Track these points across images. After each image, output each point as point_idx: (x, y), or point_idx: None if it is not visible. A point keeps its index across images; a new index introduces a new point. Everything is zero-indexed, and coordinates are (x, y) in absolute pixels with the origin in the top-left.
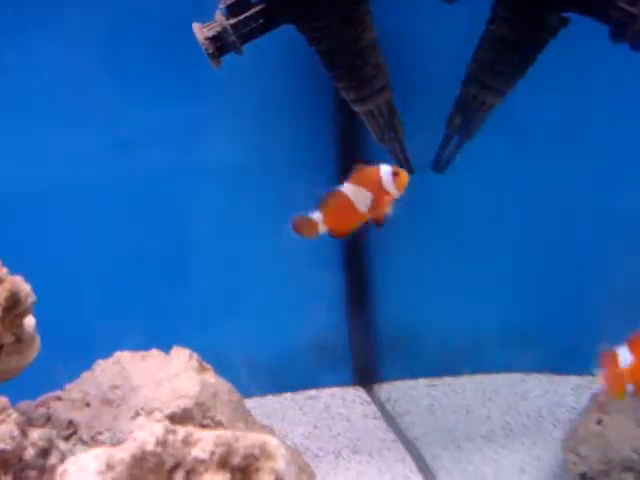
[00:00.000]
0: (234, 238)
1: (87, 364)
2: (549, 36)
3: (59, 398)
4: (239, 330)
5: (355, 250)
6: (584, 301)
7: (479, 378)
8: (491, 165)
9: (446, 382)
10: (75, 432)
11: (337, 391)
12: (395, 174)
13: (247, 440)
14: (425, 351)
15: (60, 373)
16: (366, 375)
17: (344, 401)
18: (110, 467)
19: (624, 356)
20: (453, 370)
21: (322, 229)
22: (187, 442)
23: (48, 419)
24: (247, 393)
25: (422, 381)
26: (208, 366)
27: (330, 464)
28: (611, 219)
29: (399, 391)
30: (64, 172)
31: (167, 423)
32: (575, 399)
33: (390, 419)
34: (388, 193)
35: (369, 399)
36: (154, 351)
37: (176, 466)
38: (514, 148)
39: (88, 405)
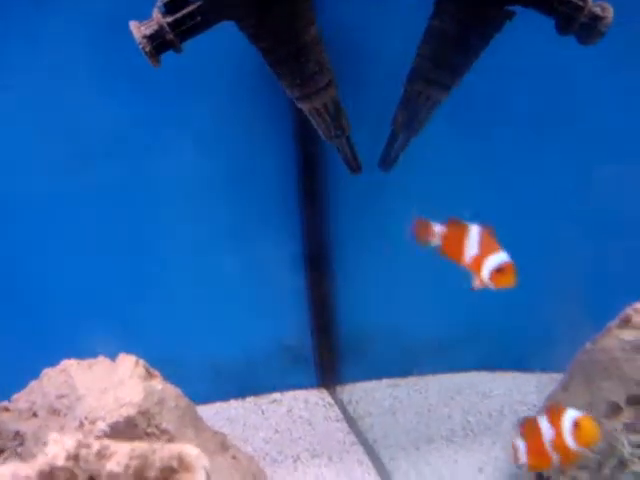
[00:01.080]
0: (197, 242)
1: (34, 371)
2: (494, 30)
3: (6, 409)
4: (201, 335)
5: (317, 253)
6: (547, 299)
7: (443, 377)
8: (448, 161)
9: (409, 382)
10: (22, 443)
11: (300, 394)
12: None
13: (164, 452)
14: (388, 352)
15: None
16: (329, 377)
17: (307, 404)
18: None
19: (545, 428)
20: (417, 370)
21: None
22: (101, 455)
23: None
24: (210, 398)
25: (385, 382)
26: (155, 372)
27: (288, 469)
28: (574, 216)
29: (362, 392)
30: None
31: (80, 437)
32: (537, 397)
33: (351, 421)
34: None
35: (332, 401)
36: (101, 358)
37: None
38: (468, 141)
39: (35, 415)
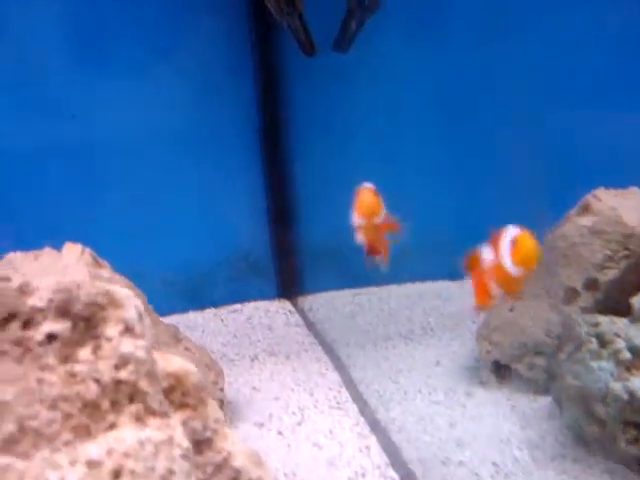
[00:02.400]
0: (152, 156)
1: None
2: None
3: None
4: (161, 247)
5: (278, 164)
6: (504, 203)
7: (405, 286)
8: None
9: (371, 291)
10: None
11: (261, 304)
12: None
13: (91, 288)
14: (351, 263)
15: None
16: (291, 288)
17: (267, 313)
18: None
19: (487, 256)
20: (379, 281)
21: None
22: (23, 291)
23: None
24: (169, 310)
25: (347, 291)
26: (104, 263)
27: (244, 367)
28: (519, 119)
29: (323, 301)
30: None
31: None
32: None
33: (311, 325)
34: None
35: (293, 310)
36: (47, 249)
37: (11, 316)
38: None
39: None
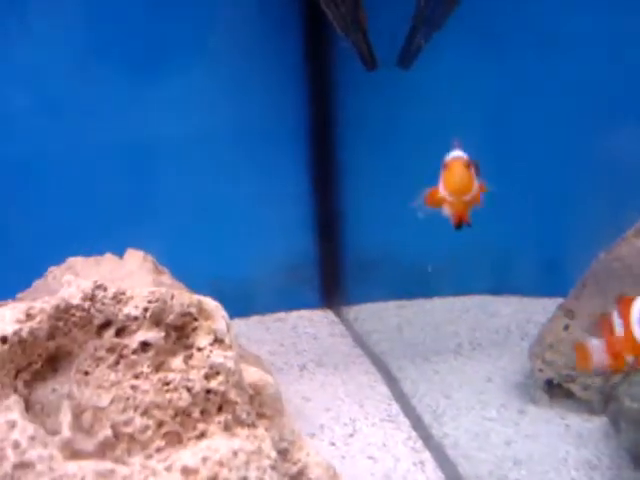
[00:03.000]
0: (206, 160)
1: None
2: None
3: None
4: (208, 253)
5: (326, 173)
6: (558, 224)
7: (450, 300)
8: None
9: (416, 304)
10: None
11: (305, 313)
12: None
13: (184, 298)
14: (396, 274)
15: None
16: (335, 298)
17: (312, 322)
18: (30, 316)
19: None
20: (424, 293)
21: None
22: (118, 300)
23: None
24: None
25: (392, 303)
26: (164, 269)
27: (294, 376)
28: (577, 135)
29: (368, 312)
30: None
31: (97, 280)
32: (544, 316)
33: (357, 337)
34: None
35: (337, 320)
36: (108, 255)
37: (107, 324)
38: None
39: None
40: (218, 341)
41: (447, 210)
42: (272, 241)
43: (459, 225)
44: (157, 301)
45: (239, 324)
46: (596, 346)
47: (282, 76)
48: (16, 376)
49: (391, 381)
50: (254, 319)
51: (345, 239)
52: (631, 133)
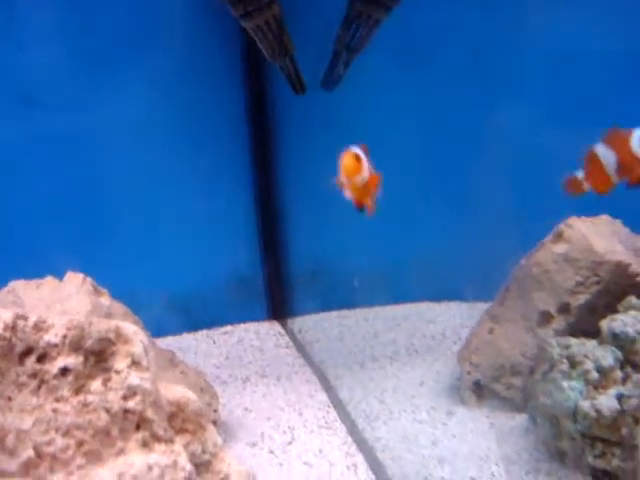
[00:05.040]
0: (149, 176)
1: None
2: None
3: None
4: (154, 269)
5: (267, 186)
6: (489, 229)
7: (391, 308)
8: (398, 96)
9: (358, 313)
10: None
11: (252, 326)
12: None
13: (102, 325)
14: (338, 285)
15: None
16: (281, 310)
17: (258, 334)
18: None
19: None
20: (366, 302)
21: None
22: (39, 328)
23: None
24: (163, 332)
25: (335, 313)
26: (103, 290)
27: (237, 388)
28: (502, 150)
29: (312, 323)
30: None
31: (18, 310)
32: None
33: (300, 347)
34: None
35: (283, 331)
36: (49, 278)
37: (28, 351)
38: (418, 81)
39: None
40: (135, 364)
41: (347, 194)
42: (217, 255)
43: (359, 207)
44: (75, 328)
45: (187, 338)
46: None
47: (221, 88)
48: None
49: (329, 389)
50: (202, 333)
51: (288, 251)
52: (554, 134)
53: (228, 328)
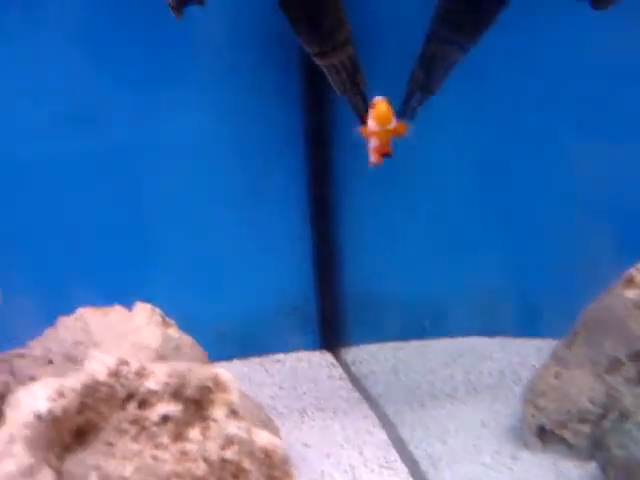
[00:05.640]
0: (203, 203)
1: (49, 321)
2: None
3: (22, 355)
4: (206, 296)
5: (323, 214)
6: (546, 264)
7: (444, 342)
8: (449, 132)
9: (412, 345)
10: None
11: (304, 355)
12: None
13: (201, 373)
14: (392, 316)
15: (22, 330)
16: (333, 339)
17: (310, 364)
18: (61, 394)
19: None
20: (420, 334)
21: None
22: (140, 374)
23: (11, 376)
24: (214, 358)
25: (389, 345)
26: (171, 321)
27: (295, 421)
28: (576, 187)
29: (365, 354)
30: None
31: (120, 356)
32: (537, 359)
33: (355, 380)
34: None
35: (335, 362)
36: (117, 307)
37: (129, 397)
38: (470, 113)
39: (51, 362)
40: (232, 413)
41: (373, 142)
42: (270, 282)
43: (384, 154)
44: (176, 376)
45: (239, 365)
46: None
47: (280, 114)
48: (49, 450)
49: (389, 426)
50: (254, 361)
51: (343, 280)
52: (625, 179)
53: (280, 356)
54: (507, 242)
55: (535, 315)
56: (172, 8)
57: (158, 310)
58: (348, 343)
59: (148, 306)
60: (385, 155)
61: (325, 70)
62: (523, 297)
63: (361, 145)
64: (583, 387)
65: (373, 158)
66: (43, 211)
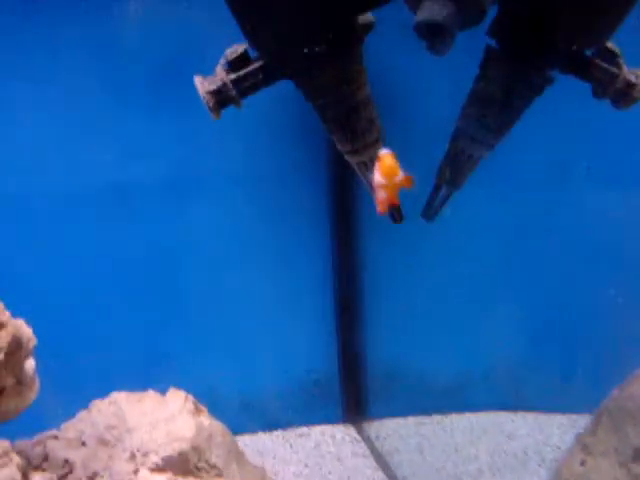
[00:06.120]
0: (226, 278)
1: (81, 402)
2: (535, 94)
3: (55, 437)
4: (231, 367)
5: (346, 289)
6: (570, 340)
7: (467, 417)
8: (476, 210)
9: (435, 420)
10: (71, 471)
11: (327, 429)
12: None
13: None
14: (414, 389)
15: (55, 411)
16: (356, 413)
17: (334, 439)
18: None
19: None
20: (442, 408)
21: None
22: None
23: (45, 458)
24: (239, 430)
25: (411, 419)
26: (203, 408)
27: None
28: (600, 260)
29: (388, 429)
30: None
31: (170, 475)
32: (560, 438)
33: (379, 458)
34: None
35: (359, 437)
36: (150, 392)
37: None
38: (496, 195)
39: (84, 444)
40: None
41: (381, 194)
42: (294, 355)
43: (391, 206)
44: None
45: (263, 439)
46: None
47: (308, 191)
48: None
49: None
50: (277, 434)
51: (365, 354)
52: None
53: (304, 430)
54: (530, 316)
55: (558, 390)
56: (210, 109)
57: (191, 397)
58: (371, 417)
59: (182, 393)
60: (392, 206)
61: (355, 167)
62: (545, 371)
63: (386, 222)
64: (608, 476)
65: (380, 208)
66: (73, 286)
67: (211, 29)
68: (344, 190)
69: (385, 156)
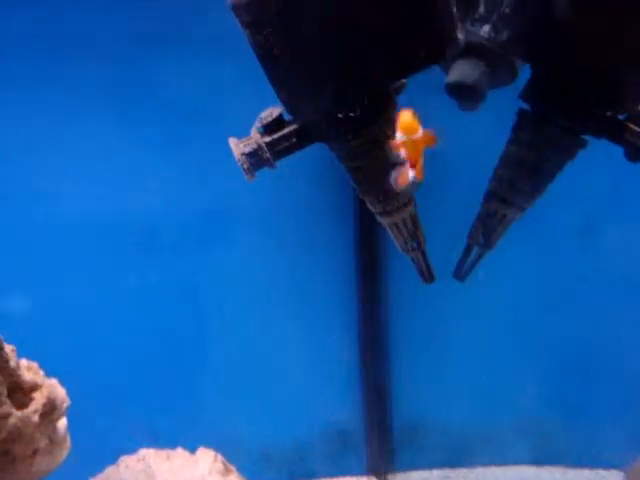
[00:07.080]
0: (249, 330)
1: (108, 456)
2: (568, 158)
3: None
4: (255, 419)
5: (372, 342)
6: (597, 395)
7: (493, 470)
8: (501, 270)
9: (461, 474)
10: None
11: None
12: None
13: None
14: (439, 442)
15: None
16: (379, 465)
17: None
18: None
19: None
20: (467, 462)
21: None
22: None
23: None
24: None
25: (436, 472)
26: (231, 467)
27: None
28: (624, 315)
29: None
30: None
31: None
32: None
33: None
34: None
35: None
36: (179, 450)
37: None
38: (525, 256)
39: None
40: None
41: (402, 152)
42: (319, 406)
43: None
44: None
45: None
46: None
47: (334, 246)
48: None
49: None
50: None
51: (390, 405)
52: None
53: None
54: (558, 370)
55: (585, 445)
56: (245, 170)
57: (220, 457)
58: (395, 469)
59: (211, 452)
60: (413, 169)
61: (387, 228)
62: (573, 426)
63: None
64: None
65: (400, 181)
66: (101, 337)
67: (237, 80)
68: (372, 244)
69: (404, 112)
